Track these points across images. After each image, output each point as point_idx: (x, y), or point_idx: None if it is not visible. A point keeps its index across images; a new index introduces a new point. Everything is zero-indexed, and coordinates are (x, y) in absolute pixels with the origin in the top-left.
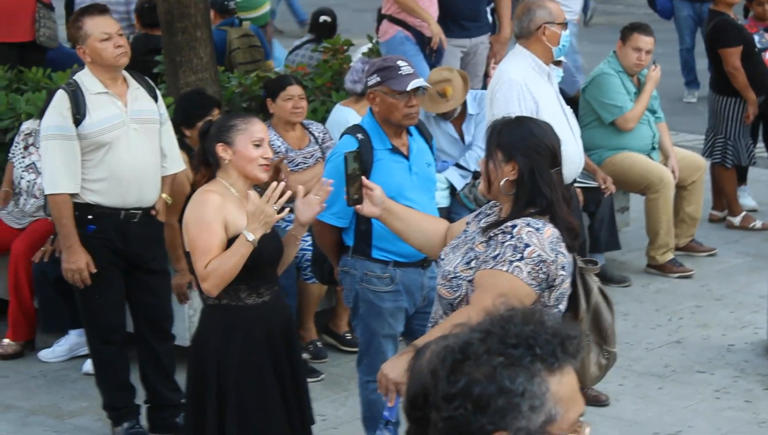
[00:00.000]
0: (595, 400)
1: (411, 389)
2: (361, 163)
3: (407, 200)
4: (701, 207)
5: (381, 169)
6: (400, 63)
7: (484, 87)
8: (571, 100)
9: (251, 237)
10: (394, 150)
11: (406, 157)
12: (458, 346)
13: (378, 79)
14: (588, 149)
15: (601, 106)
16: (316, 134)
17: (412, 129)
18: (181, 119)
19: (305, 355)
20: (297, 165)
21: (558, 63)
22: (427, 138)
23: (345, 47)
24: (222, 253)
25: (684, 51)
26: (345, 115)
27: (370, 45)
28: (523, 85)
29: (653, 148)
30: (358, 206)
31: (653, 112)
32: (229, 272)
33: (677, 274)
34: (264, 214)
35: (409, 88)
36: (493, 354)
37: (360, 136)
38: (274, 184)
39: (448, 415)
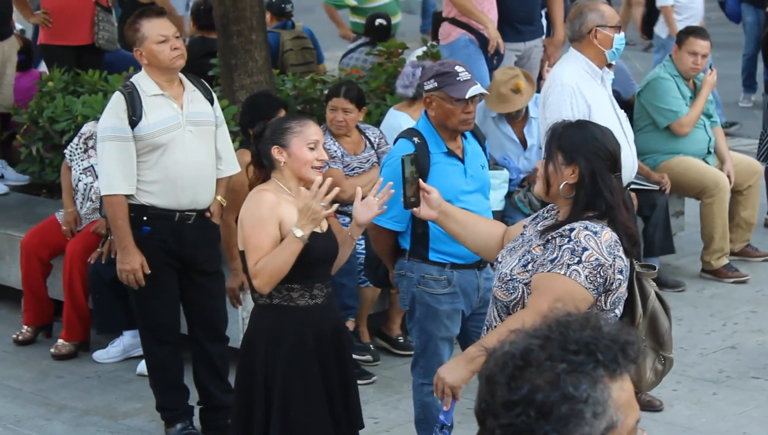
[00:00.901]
0: (649, 405)
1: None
2: (418, 166)
3: (462, 203)
4: (757, 212)
5: (437, 172)
6: (458, 69)
7: (538, 90)
8: (626, 104)
9: (299, 233)
10: (450, 153)
11: (461, 160)
12: (518, 352)
13: (435, 84)
14: (643, 153)
15: (656, 111)
16: (372, 139)
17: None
18: (248, 121)
19: (365, 356)
20: (353, 169)
21: (609, 66)
22: (481, 140)
23: (399, 50)
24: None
25: (745, 57)
26: (398, 119)
27: (424, 48)
28: (575, 88)
29: (709, 153)
30: (415, 209)
31: (709, 116)
32: (278, 269)
33: (732, 279)
34: (311, 211)
35: (467, 96)
36: (556, 360)
37: (416, 139)
38: (320, 178)
39: (508, 422)
